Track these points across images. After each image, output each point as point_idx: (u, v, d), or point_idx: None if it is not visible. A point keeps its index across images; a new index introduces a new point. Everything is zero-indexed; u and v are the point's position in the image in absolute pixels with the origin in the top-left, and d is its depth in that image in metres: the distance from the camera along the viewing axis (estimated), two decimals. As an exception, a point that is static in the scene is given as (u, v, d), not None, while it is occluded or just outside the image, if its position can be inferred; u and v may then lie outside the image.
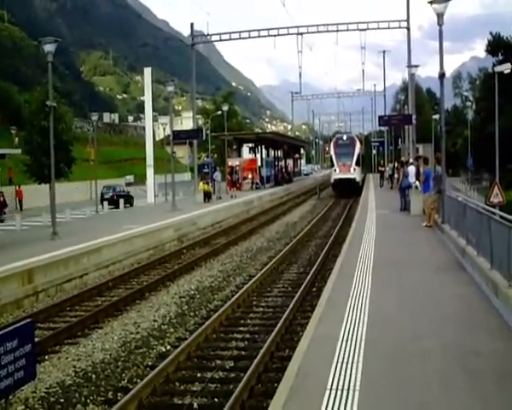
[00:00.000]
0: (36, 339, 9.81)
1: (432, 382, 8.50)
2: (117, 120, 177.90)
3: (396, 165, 54.57)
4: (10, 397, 9.03)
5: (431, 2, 23.13)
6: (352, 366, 9.17)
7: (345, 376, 8.81)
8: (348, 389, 8.32)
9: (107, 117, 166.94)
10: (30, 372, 8.19)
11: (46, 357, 13.87)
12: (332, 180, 64.19)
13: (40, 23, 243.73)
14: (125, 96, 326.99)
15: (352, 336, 10.57)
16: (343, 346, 10.07)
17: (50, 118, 28.49)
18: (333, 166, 64.50)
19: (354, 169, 62.06)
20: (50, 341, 14.97)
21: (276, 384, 10.23)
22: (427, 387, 8.33)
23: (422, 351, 9.72)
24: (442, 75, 24.29)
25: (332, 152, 65.84)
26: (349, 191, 58.60)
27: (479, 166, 79.54)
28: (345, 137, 67.37)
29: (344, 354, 9.66)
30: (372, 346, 10.02)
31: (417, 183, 31.17)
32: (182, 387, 11.91)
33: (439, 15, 23.22)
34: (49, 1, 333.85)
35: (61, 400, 11.48)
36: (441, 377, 8.68)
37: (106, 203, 52.57)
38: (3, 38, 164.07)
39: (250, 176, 66.18)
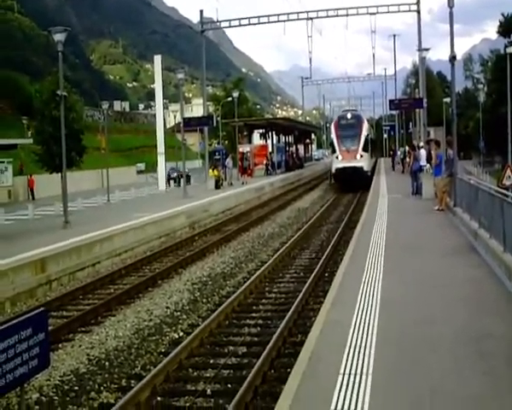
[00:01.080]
0: (49, 328, 9.84)
1: (444, 365, 8.47)
2: (127, 109, 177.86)
3: (407, 148, 54.37)
4: (25, 385, 9.08)
5: (441, -16, 23.03)
6: (364, 350, 9.16)
7: (357, 360, 8.79)
8: (361, 374, 8.31)
9: (117, 105, 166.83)
10: (44, 361, 8.20)
11: (60, 345, 13.94)
12: (333, 170, 50.30)
13: (49, 13, 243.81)
14: (135, 84, 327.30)
15: (365, 321, 10.55)
16: (355, 331, 10.05)
17: (61, 107, 28.53)
18: (334, 152, 51.47)
19: (361, 155, 48.72)
20: (64, 329, 15.04)
21: (288, 370, 10.24)
22: (440, 371, 8.30)
23: (435, 335, 9.70)
24: (453, 58, 24.19)
25: (333, 135, 51.72)
26: (355, 183, 47.47)
27: (491, 149, 79.19)
28: (349, 116, 51.83)
29: (356, 339, 9.64)
30: (384, 331, 9.99)
31: (428, 166, 31.10)
32: (195, 373, 11.96)
33: (450, -3, 23.12)
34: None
35: (75, 387, 11.55)
36: (453, 360, 8.66)
37: (172, 182, 61.07)
38: (14, 29, 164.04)
39: (264, 161, 65.89)
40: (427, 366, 8.46)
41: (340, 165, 48.74)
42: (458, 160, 26.13)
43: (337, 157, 49.64)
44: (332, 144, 53.44)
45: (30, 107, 52.57)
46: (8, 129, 75.67)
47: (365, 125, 51.69)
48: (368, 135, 51.53)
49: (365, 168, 48.97)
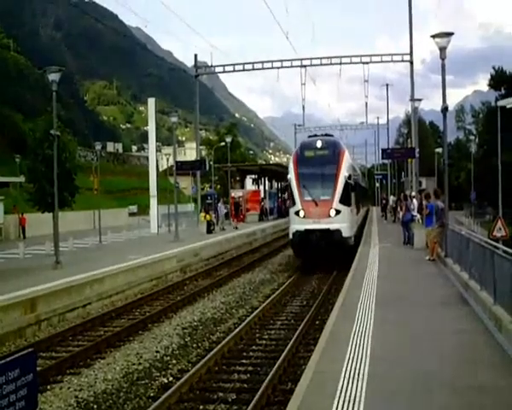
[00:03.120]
0: (38, 369, 9.80)
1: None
2: (120, 150, 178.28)
3: (399, 197, 54.52)
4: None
5: (434, 36, 23.35)
6: (354, 403, 9.12)
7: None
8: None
9: (110, 146, 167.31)
10: (31, 402, 8.13)
11: (48, 387, 13.84)
12: (291, 235, 32.14)
13: (45, 52, 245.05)
14: (128, 125, 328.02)
15: (354, 372, 10.51)
16: (345, 382, 10.02)
17: (54, 147, 28.64)
18: (294, 204, 31.81)
19: (337, 211, 30.78)
20: (52, 370, 14.95)
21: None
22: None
23: (425, 387, 9.67)
24: (445, 109, 24.44)
25: (292, 175, 32.28)
26: (328, 256, 30.86)
27: (482, 200, 79.55)
28: (318, 144, 32.66)
29: (346, 391, 9.61)
30: (374, 383, 9.96)
31: (419, 216, 31.26)
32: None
33: (442, 49, 23.45)
34: (54, 30, 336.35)
35: (63, 430, 11.46)
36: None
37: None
38: (9, 67, 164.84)
39: (258, 207, 65.94)
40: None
41: (302, 227, 30.58)
42: (449, 210, 26.27)
43: (297, 213, 30.97)
44: (290, 191, 32.51)
45: (23, 145, 52.73)
46: (0, 166, 75.72)
47: (345, 160, 32.03)
48: (349, 176, 31.83)
49: (344, 232, 30.40)
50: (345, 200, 30.88)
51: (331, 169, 31.10)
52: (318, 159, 31.72)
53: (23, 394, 7.92)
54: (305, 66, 56.12)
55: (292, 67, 55.84)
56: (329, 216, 30.33)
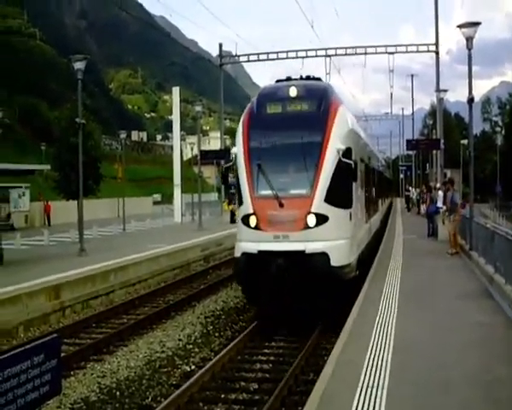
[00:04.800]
0: (62, 354, 9.87)
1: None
2: (145, 139, 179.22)
3: (423, 189, 54.12)
4: (36, 411, 9.09)
5: (460, 26, 23.12)
6: (377, 391, 9.09)
7: (369, 401, 8.74)
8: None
9: (135, 135, 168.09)
10: (55, 387, 8.23)
11: (71, 373, 13.95)
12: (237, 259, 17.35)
13: (70, 41, 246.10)
14: (153, 114, 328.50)
15: (377, 362, 10.48)
16: (367, 372, 9.99)
17: (80, 135, 28.75)
18: (241, 203, 17.44)
19: (320, 219, 16.30)
20: (76, 357, 15.06)
21: (300, 408, 10.18)
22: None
23: (446, 379, 9.62)
24: (471, 100, 24.16)
25: (239, 151, 17.77)
26: (305, 298, 16.14)
27: (508, 193, 78.94)
28: (292, 92, 17.66)
29: (369, 380, 9.57)
30: (397, 374, 9.92)
31: (444, 208, 31.09)
32: (205, 407, 11.91)
33: (469, 39, 23.17)
34: (79, 19, 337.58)
35: (86, 416, 11.55)
36: (465, 406, 8.60)
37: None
38: (35, 56, 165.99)
39: None
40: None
41: (254, 246, 16.72)
42: (474, 203, 26.01)
43: (246, 220, 17.06)
44: (236, 179, 18.12)
45: (48, 133, 53.09)
46: (26, 154, 76.36)
47: (341, 122, 17.67)
48: (349, 152, 17.30)
49: (334, 257, 16.33)
50: (338, 196, 16.78)
51: (312, 137, 17.01)
52: (289, 119, 17.59)
53: (47, 378, 8.01)
54: (329, 55, 55.76)
55: (316, 56, 55.56)
56: (305, 228, 16.24)
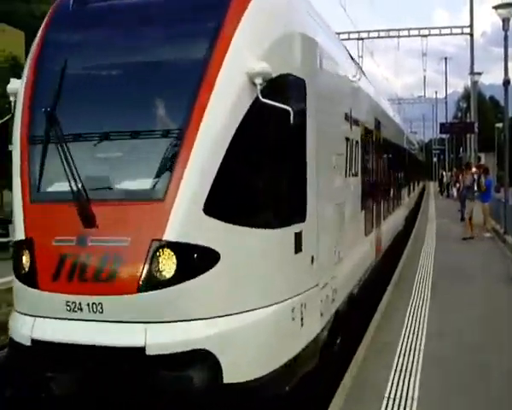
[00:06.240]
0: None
1: (492, 393, 8.33)
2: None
3: (455, 170, 53.56)
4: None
5: (496, 8, 22.83)
6: (410, 375, 9.02)
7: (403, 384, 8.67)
8: (406, 398, 8.19)
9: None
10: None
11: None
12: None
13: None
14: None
15: (411, 346, 10.40)
16: (402, 355, 9.92)
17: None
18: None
19: (199, 255, 6.26)
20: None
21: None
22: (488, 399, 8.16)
23: (482, 362, 9.53)
24: (507, 82, 23.88)
25: (21, 89, 7.52)
26: None
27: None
28: None
29: (402, 364, 9.50)
30: (431, 356, 9.84)
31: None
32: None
33: (505, 20, 22.89)
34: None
35: None
36: (502, 387, 8.51)
37: None
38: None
39: None
40: (473, 393, 8.31)
41: (24, 334, 6.75)
42: (510, 187, 25.62)
43: (16, 264, 7.04)
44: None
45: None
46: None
47: (276, 11, 7.38)
48: (300, 85, 7.53)
49: (233, 368, 6.23)
50: (254, 196, 7.00)
51: (181, 49, 7.08)
52: (131, 14, 7.43)
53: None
54: (362, 38, 55.40)
55: (349, 39, 55.13)
56: (150, 284, 6.17)
